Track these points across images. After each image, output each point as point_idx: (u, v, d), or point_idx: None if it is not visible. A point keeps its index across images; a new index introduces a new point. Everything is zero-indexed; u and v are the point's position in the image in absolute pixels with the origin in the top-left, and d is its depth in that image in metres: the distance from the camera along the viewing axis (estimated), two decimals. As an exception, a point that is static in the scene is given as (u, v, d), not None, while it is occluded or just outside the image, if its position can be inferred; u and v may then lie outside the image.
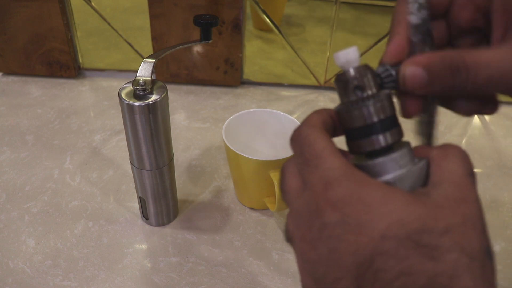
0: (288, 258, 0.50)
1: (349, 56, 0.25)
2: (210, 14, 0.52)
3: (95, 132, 0.68)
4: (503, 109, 0.79)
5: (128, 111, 0.42)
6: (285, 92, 0.81)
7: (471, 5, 0.28)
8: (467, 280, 0.20)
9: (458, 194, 0.22)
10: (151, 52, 0.76)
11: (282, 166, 0.26)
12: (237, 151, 0.50)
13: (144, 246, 0.51)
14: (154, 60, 0.44)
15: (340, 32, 0.77)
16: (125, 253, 0.50)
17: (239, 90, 0.80)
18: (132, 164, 0.48)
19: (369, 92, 0.25)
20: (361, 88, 0.25)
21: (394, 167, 0.24)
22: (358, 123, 0.25)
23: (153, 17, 0.73)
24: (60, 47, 0.77)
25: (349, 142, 0.26)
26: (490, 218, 0.56)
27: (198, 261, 0.49)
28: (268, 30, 0.85)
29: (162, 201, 0.51)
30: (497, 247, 0.53)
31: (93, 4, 0.77)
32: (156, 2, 0.71)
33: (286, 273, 0.48)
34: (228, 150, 0.52)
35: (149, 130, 0.44)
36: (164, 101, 0.43)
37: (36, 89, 0.78)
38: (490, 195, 0.60)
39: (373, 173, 0.24)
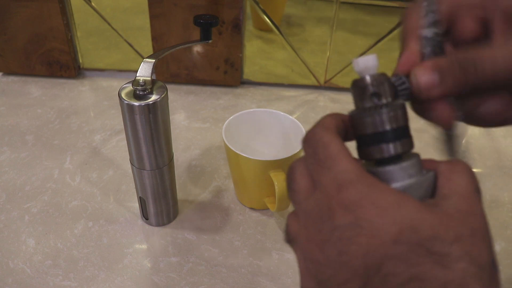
0: (288, 258, 0.50)
1: (368, 63, 0.25)
2: (210, 14, 0.52)
3: (95, 132, 0.68)
4: (503, 109, 0.79)
5: (128, 111, 0.42)
6: (285, 92, 0.81)
7: (473, 19, 0.28)
8: None
9: (467, 207, 0.23)
10: (151, 52, 0.76)
11: (290, 165, 0.26)
12: (237, 151, 0.50)
13: (144, 246, 0.51)
14: (154, 60, 0.44)
15: (340, 32, 0.77)
16: (125, 253, 0.50)
17: (239, 90, 0.80)
18: (132, 164, 0.48)
19: (385, 101, 0.25)
20: (377, 95, 0.25)
21: (403, 176, 0.25)
22: (371, 129, 0.25)
23: (153, 17, 0.73)
24: (60, 47, 0.77)
25: (360, 148, 0.26)
26: (490, 218, 0.56)
27: (198, 261, 0.49)
28: (268, 30, 0.85)
29: (162, 201, 0.51)
30: (497, 247, 0.53)
31: (93, 4, 0.77)
32: (156, 2, 0.71)
33: (286, 273, 0.48)
34: (228, 150, 0.52)
35: (149, 130, 0.44)
36: (164, 101, 0.43)
37: (36, 89, 0.78)
38: (490, 195, 0.60)
39: (382, 180, 0.25)
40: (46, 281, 0.46)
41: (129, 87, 0.44)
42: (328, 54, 0.79)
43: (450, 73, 0.26)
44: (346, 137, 0.27)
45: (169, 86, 0.45)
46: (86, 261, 0.49)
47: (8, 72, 0.81)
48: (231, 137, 0.53)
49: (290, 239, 0.26)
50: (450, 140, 0.30)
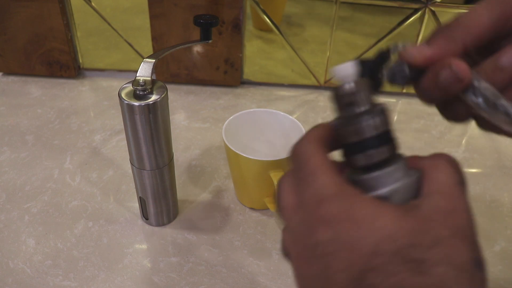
0: (288, 258, 0.50)
1: (345, 71, 0.25)
2: (210, 14, 0.52)
3: (95, 132, 0.68)
4: (503, 109, 0.79)
5: (128, 111, 0.42)
6: (285, 92, 0.81)
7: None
8: None
9: (448, 205, 0.23)
10: (151, 52, 0.76)
11: (278, 181, 0.27)
12: (237, 151, 0.50)
13: (144, 246, 0.51)
14: (154, 60, 0.44)
15: (340, 32, 0.77)
16: (125, 253, 0.50)
17: (239, 90, 0.80)
18: (132, 164, 0.48)
19: (363, 108, 0.25)
20: (355, 104, 0.25)
21: (388, 181, 0.25)
22: (352, 138, 0.25)
23: (153, 17, 0.73)
24: (60, 47, 0.77)
25: (344, 156, 0.26)
26: (490, 218, 0.57)
27: (198, 261, 0.49)
28: (268, 30, 0.85)
29: (162, 201, 0.51)
30: (497, 247, 0.53)
31: (93, 4, 0.77)
32: (156, 2, 0.71)
33: (286, 273, 0.48)
34: (228, 150, 0.52)
35: (149, 130, 0.44)
36: (164, 101, 0.43)
37: (36, 89, 0.78)
38: (490, 195, 0.60)
39: (368, 187, 0.25)
40: (46, 281, 0.46)
41: (129, 87, 0.44)
42: (328, 54, 0.79)
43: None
44: (335, 147, 0.27)
45: (169, 86, 0.45)
46: (86, 261, 0.49)
47: (8, 72, 0.81)
48: (231, 137, 0.53)
49: (285, 254, 0.26)
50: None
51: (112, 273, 0.47)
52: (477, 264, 0.22)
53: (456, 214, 0.22)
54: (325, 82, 0.81)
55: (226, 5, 0.71)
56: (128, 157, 0.48)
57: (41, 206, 0.55)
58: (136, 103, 0.42)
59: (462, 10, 0.80)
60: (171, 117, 0.51)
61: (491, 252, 0.52)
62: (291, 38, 0.79)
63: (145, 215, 0.53)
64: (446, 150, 0.67)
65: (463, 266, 0.21)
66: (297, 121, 0.55)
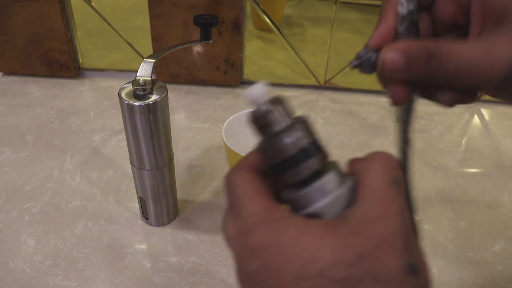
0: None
1: (255, 94, 0.25)
2: (210, 14, 0.52)
3: (95, 132, 0.68)
4: (503, 109, 0.79)
5: (128, 111, 0.42)
6: (285, 92, 0.81)
7: (453, 2, 0.28)
8: None
9: (377, 212, 0.22)
10: (151, 52, 0.76)
11: (225, 212, 0.27)
12: (237, 151, 0.50)
13: (144, 246, 0.51)
14: (154, 60, 0.44)
15: (340, 32, 0.77)
16: (125, 253, 0.50)
17: (239, 90, 0.80)
18: (132, 164, 0.48)
19: (280, 127, 0.24)
20: (271, 124, 0.25)
21: (319, 196, 0.24)
22: (274, 160, 0.25)
23: (153, 17, 0.73)
24: (60, 47, 0.77)
25: (276, 177, 0.26)
26: (490, 218, 0.57)
27: (198, 261, 0.49)
28: (268, 30, 0.85)
29: (162, 201, 0.51)
30: (497, 247, 0.53)
31: (93, 4, 0.77)
32: (156, 2, 0.71)
33: (286, 273, 0.48)
34: (228, 150, 0.52)
35: (149, 130, 0.44)
36: (164, 101, 0.43)
37: (36, 89, 0.78)
38: (490, 195, 0.60)
39: (301, 205, 0.24)
40: (46, 281, 0.46)
41: (129, 87, 0.44)
42: (328, 54, 0.79)
43: (416, 61, 0.26)
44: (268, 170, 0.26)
45: (169, 86, 0.45)
46: (86, 261, 0.49)
47: (8, 72, 0.81)
48: (231, 137, 0.53)
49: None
50: (404, 125, 0.29)
51: (112, 273, 0.47)
52: (411, 270, 0.21)
53: (385, 221, 0.21)
54: (325, 82, 0.81)
55: (226, 5, 0.71)
56: (128, 157, 0.48)
57: (41, 206, 0.55)
58: (136, 103, 0.42)
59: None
60: (171, 117, 0.51)
61: (491, 252, 0.52)
62: (291, 38, 0.79)
63: (145, 215, 0.53)
64: (446, 150, 0.68)
65: (390, 277, 0.20)
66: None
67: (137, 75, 0.43)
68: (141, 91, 0.43)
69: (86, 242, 0.51)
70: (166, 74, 0.79)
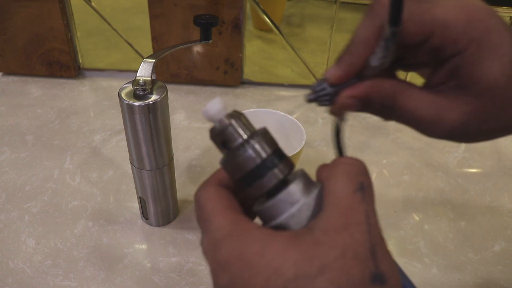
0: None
1: (211, 111, 0.25)
2: (210, 14, 0.52)
3: (95, 132, 0.68)
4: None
5: (128, 111, 0.42)
6: (285, 92, 0.81)
7: (428, 55, 0.27)
8: None
9: (341, 221, 0.22)
10: (151, 52, 0.76)
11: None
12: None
13: (144, 246, 0.51)
14: (154, 60, 0.44)
15: (340, 32, 0.77)
16: (125, 253, 0.50)
17: (239, 90, 0.80)
18: (132, 164, 0.48)
19: (239, 142, 0.24)
20: (230, 140, 0.25)
21: (285, 207, 0.24)
22: (236, 175, 0.25)
23: (153, 17, 0.73)
24: (60, 47, 0.77)
25: (244, 191, 0.26)
26: (490, 218, 0.57)
27: (198, 261, 0.49)
28: (268, 30, 0.85)
29: (162, 201, 0.51)
30: (497, 247, 0.53)
31: (93, 4, 0.77)
32: (156, 2, 0.71)
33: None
34: (228, 150, 0.52)
35: (149, 130, 0.44)
36: (164, 101, 0.43)
37: (36, 89, 0.78)
38: (490, 195, 0.60)
39: (269, 217, 0.24)
40: (46, 281, 0.46)
41: (129, 87, 0.44)
42: (328, 54, 0.79)
43: (371, 106, 0.27)
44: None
45: (169, 86, 0.45)
46: (86, 261, 0.49)
47: (8, 72, 0.81)
48: (231, 137, 0.53)
49: None
50: (338, 133, 0.30)
51: (112, 273, 0.47)
52: (375, 279, 0.21)
53: (348, 229, 0.21)
54: (325, 82, 0.81)
55: (226, 5, 0.71)
56: (128, 157, 0.48)
57: (41, 206, 0.55)
58: (136, 103, 0.42)
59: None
60: (171, 117, 0.51)
61: (491, 252, 0.52)
62: (291, 38, 0.79)
63: (145, 215, 0.53)
64: (446, 150, 0.68)
65: (354, 287, 0.20)
66: (297, 121, 0.55)
67: (137, 75, 0.43)
68: (141, 91, 0.43)
69: (86, 242, 0.51)
70: (166, 74, 0.79)
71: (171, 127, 0.47)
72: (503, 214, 0.57)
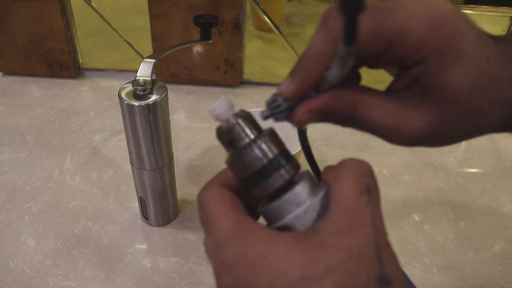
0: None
1: (218, 110, 0.25)
2: (210, 14, 0.52)
3: (95, 132, 0.68)
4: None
5: (128, 111, 0.42)
6: (285, 92, 0.81)
7: (391, 61, 0.26)
8: None
9: (346, 223, 0.21)
10: (151, 52, 0.76)
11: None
12: (237, 151, 0.50)
13: (144, 246, 0.51)
14: (154, 60, 0.44)
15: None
16: (125, 253, 0.50)
17: (239, 90, 0.80)
18: (132, 164, 0.48)
19: (245, 141, 0.24)
20: (236, 139, 0.25)
21: (290, 208, 0.24)
22: (242, 174, 0.25)
23: (153, 17, 0.73)
24: (60, 47, 0.77)
25: (249, 191, 0.26)
26: (490, 218, 0.57)
27: (198, 261, 0.49)
28: (268, 30, 0.85)
29: (162, 201, 0.51)
30: (497, 247, 0.53)
31: (93, 4, 0.77)
32: (156, 2, 0.71)
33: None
34: (228, 150, 0.52)
35: (149, 130, 0.44)
36: (164, 101, 0.43)
37: (36, 89, 0.78)
38: (490, 195, 0.60)
39: (274, 218, 0.24)
40: (46, 281, 0.46)
41: (129, 87, 0.44)
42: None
43: (331, 116, 0.26)
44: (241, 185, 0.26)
45: (169, 86, 0.45)
46: (86, 261, 0.49)
47: (8, 72, 0.81)
48: (231, 137, 0.53)
49: None
50: (302, 133, 0.30)
51: (112, 273, 0.47)
52: (381, 281, 0.21)
53: (354, 232, 0.21)
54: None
55: (226, 5, 0.71)
56: (128, 157, 0.48)
57: (41, 206, 0.55)
58: (136, 103, 0.42)
59: (463, 11, 0.80)
60: (171, 117, 0.51)
61: (491, 252, 0.52)
62: (291, 38, 0.79)
63: (145, 215, 0.53)
64: (446, 150, 0.68)
65: None
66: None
67: (137, 75, 0.43)
68: (141, 91, 0.43)
69: (86, 242, 0.51)
70: (166, 74, 0.79)
71: (171, 127, 0.47)
72: (503, 214, 0.57)
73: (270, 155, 0.24)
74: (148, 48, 0.78)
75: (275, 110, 0.26)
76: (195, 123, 0.72)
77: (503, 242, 0.53)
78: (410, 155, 0.66)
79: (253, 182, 0.25)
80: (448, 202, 0.59)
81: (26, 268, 0.48)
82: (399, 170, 0.63)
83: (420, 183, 0.61)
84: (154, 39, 0.75)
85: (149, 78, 0.43)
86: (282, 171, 0.24)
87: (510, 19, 0.75)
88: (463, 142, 0.70)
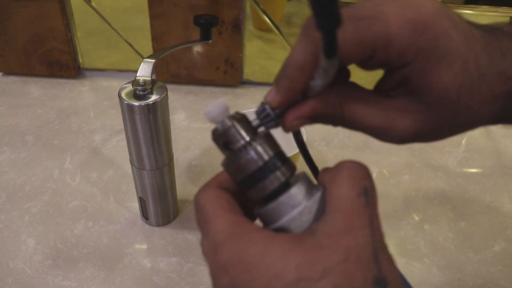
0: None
1: (213, 113, 0.25)
2: (210, 14, 0.52)
3: (95, 132, 0.68)
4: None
5: (128, 111, 0.42)
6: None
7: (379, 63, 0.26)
8: None
9: (344, 225, 0.21)
10: (151, 52, 0.76)
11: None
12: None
13: (144, 246, 0.51)
14: (154, 60, 0.44)
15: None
16: (125, 253, 0.50)
17: (239, 90, 0.80)
18: (132, 164, 0.48)
19: (241, 143, 0.25)
20: (232, 142, 0.25)
21: (286, 209, 0.24)
22: (238, 176, 0.25)
23: (153, 17, 0.73)
24: (60, 47, 0.77)
25: (245, 193, 0.26)
26: (490, 218, 0.57)
27: (198, 261, 0.49)
28: (268, 30, 0.85)
29: (162, 201, 0.51)
30: (497, 247, 0.53)
31: (93, 4, 0.77)
32: (156, 2, 0.71)
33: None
34: (228, 150, 0.52)
35: (149, 130, 0.44)
36: (164, 101, 0.43)
37: (36, 89, 0.78)
38: (490, 195, 0.60)
39: (270, 220, 0.24)
40: (46, 281, 0.46)
41: (129, 87, 0.44)
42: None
43: (321, 118, 0.26)
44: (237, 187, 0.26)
45: (169, 86, 0.45)
46: (86, 261, 0.49)
47: (8, 72, 0.81)
48: (231, 137, 0.53)
49: None
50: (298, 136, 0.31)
51: (112, 273, 0.47)
52: (378, 282, 0.21)
53: (352, 233, 0.21)
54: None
55: (226, 5, 0.71)
56: (128, 157, 0.48)
57: (41, 206, 0.55)
58: (136, 103, 0.42)
59: (463, 11, 0.80)
60: (171, 117, 0.51)
61: (491, 252, 0.52)
62: (291, 38, 0.79)
63: (145, 215, 0.53)
64: (446, 150, 0.68)
65: None
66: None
67: (137, 75, 0.43)
68: (141, 91, 0.43)
69: (86, 242, 0.51)
70: (166, 74, 0.79)
71: (171, 127, 0.48)
72: (503, 214, 0.57)
73: (266, 157, 0.24)
74: (148, 48, 0.78)
75: (264, 120, 0.26)
76: (195, 123, 0.72)
77: (503, 242, 0.53)
78: (410, 155, 0.66)
79: (248, 184, 0.25)
80: (448, 202, 0.59)
81: (26, 268, 0.48)
82: (399, 170, 0.63)
83: (420, 183, 0.61)
84: (154, 39, 0.75)
85: (149, 78, 0.43)
86: (278, 173, 0.24)
87: (510, 19, 0.75)
88: (463, 142, 0.70)
